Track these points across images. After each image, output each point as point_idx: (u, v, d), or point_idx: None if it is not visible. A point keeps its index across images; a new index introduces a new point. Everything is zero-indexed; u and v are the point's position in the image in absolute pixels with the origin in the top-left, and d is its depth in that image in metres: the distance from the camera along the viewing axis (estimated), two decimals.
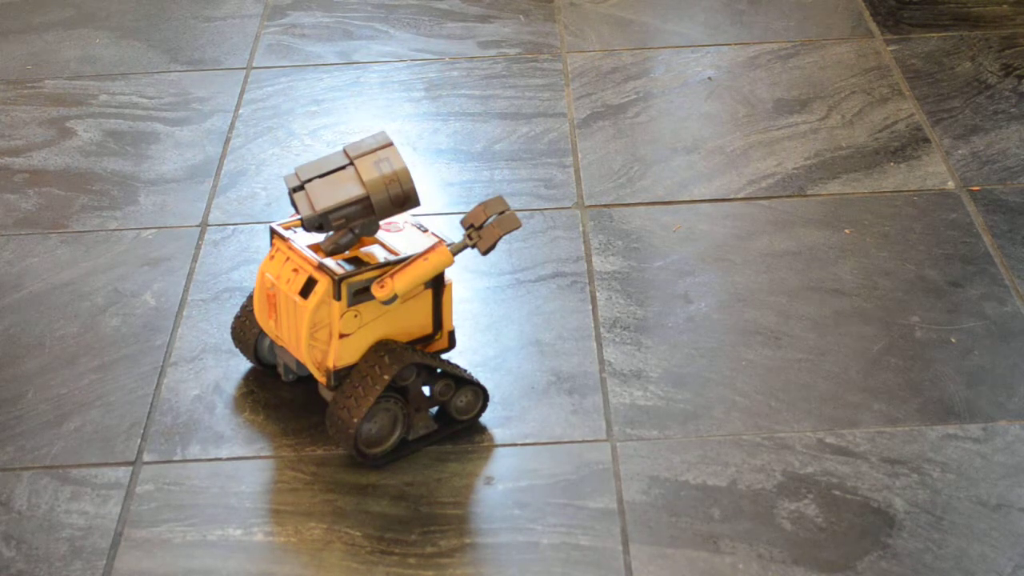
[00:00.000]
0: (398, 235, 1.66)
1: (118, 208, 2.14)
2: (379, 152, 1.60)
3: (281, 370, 1.76)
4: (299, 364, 1.70)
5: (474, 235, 1.59)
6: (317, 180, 1.59)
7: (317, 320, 1.60)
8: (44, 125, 2.36)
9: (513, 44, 2.55)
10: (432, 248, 1.59)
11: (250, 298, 1.76)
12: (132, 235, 2.08)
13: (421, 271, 1.58)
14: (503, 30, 2.60)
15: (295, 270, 1.62)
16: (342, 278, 1.58)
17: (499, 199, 1.59)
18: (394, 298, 1.57)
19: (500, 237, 1.57)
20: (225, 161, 2.24)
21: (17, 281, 1.99)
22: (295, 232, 1.67)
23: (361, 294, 1.60)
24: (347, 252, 1.63)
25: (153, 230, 2.09)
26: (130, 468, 1.66)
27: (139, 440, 1.70)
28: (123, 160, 2.26)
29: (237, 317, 1.77)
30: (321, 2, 2.73)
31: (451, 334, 1.70)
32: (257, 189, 2.17)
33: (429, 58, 2.52)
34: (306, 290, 1.60)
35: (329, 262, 1.60)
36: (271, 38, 2.61)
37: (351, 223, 1.59)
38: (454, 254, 1.59)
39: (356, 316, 1.61)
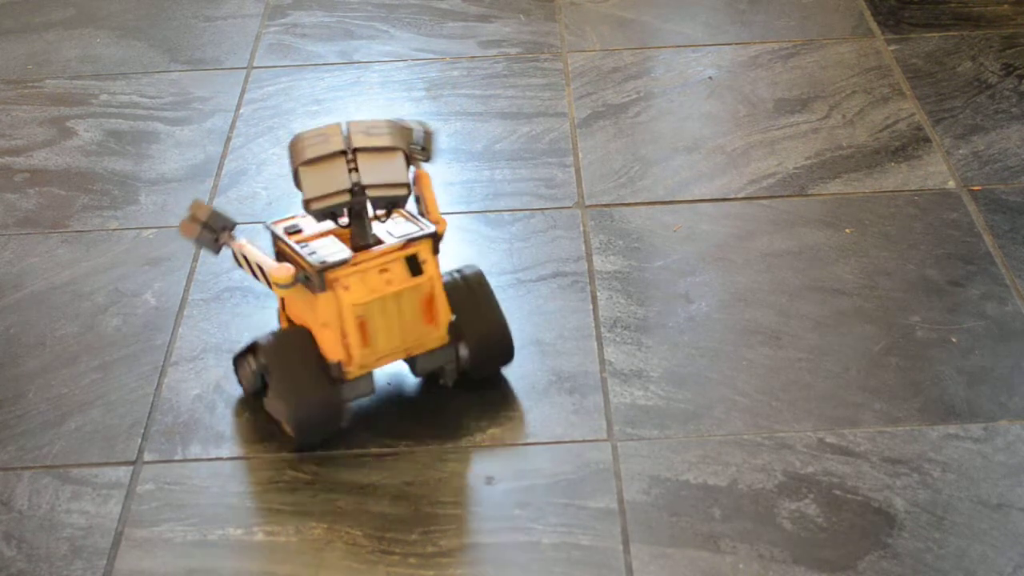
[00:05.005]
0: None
1: (119, 208, 2.14)
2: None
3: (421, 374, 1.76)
4: (428, 356, 1.71)
5: (418, 152, 1.63)
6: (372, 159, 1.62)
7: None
8: (44, 125, 2.36)
9: (514, 44, 2.55)
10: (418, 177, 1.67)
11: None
12: (133, 235, 2.08)
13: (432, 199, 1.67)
14: (504, 30, 2.60)
15: (383, 270, 1.62)
16: (430, 235, 1.65)
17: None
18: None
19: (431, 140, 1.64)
20: (226, 161, 2.24)
21: (17, 281, 1.99)
22: (304, 247, 1.64)
23: None
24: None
25: (154, 230, 2.09)
26: (131, 468, 1.66)
27: (140, 440, 1.70)
28: (124, 160, 2.26)
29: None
30: (322, 2, 2.73)
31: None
32: (258, 189, 2.17)
33: (430, 58, 2.52)
34: (414, 268, 1.63)
35: (390, 238, 1.64)
36: (272, 38, 2.61)
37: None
38: (425, 161, 1.65)
39: None
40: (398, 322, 1.64)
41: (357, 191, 1.59)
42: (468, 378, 1.74)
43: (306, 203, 1.58)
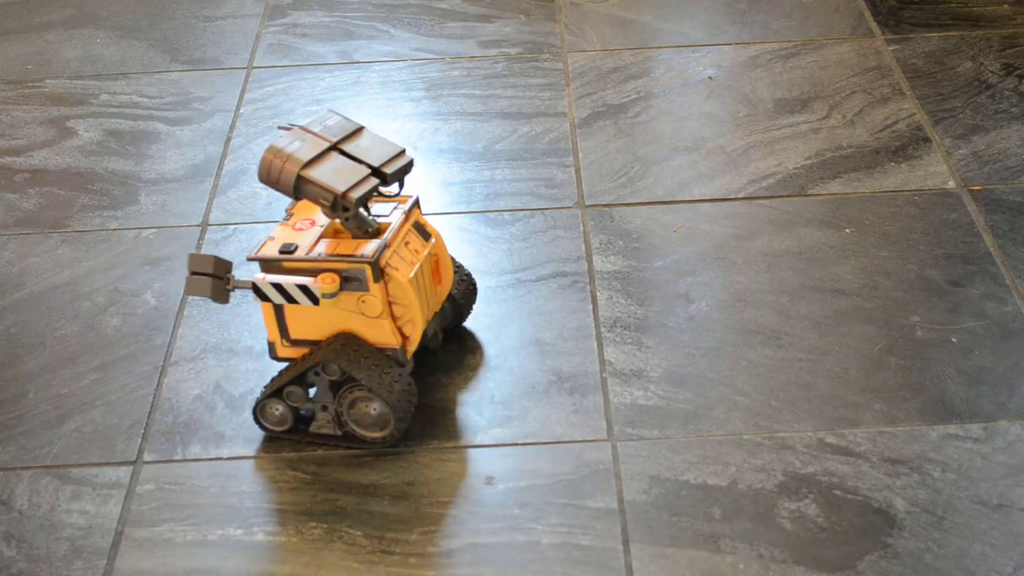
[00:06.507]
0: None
1: (119, 208, 2.14)
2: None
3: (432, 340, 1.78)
4: (432, 321, 1.75)
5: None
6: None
7: None
8: (45, 125, 2.36)
9: (514, 44, 2.55)
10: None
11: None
12: (133, 235, 2.08)
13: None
14: (504, 30, 2.60)
15: (406, 243, 1.65)
16: (417, 200, 1.73)
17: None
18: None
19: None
20: (226, 161, 2.24)
21: (18, 281, 1.99)
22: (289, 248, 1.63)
23: None
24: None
25: (154, 230, 2.09)
26: (131, 468, 1.66)
27: (140, 440, 1.70)
28: (124, 160, 2.26)
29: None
30: (322, 2, 2.73)
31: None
32: (257, 189, 2.17)
33: (430, 58, 2.52)
34: (424, 234, 1.68)
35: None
36: (272, 37, 2.61)
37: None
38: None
39: None
40: (425, 289, 1.67)
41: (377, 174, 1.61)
42: (448, 335, 1.83)
43: (343, 196, 1.56)
